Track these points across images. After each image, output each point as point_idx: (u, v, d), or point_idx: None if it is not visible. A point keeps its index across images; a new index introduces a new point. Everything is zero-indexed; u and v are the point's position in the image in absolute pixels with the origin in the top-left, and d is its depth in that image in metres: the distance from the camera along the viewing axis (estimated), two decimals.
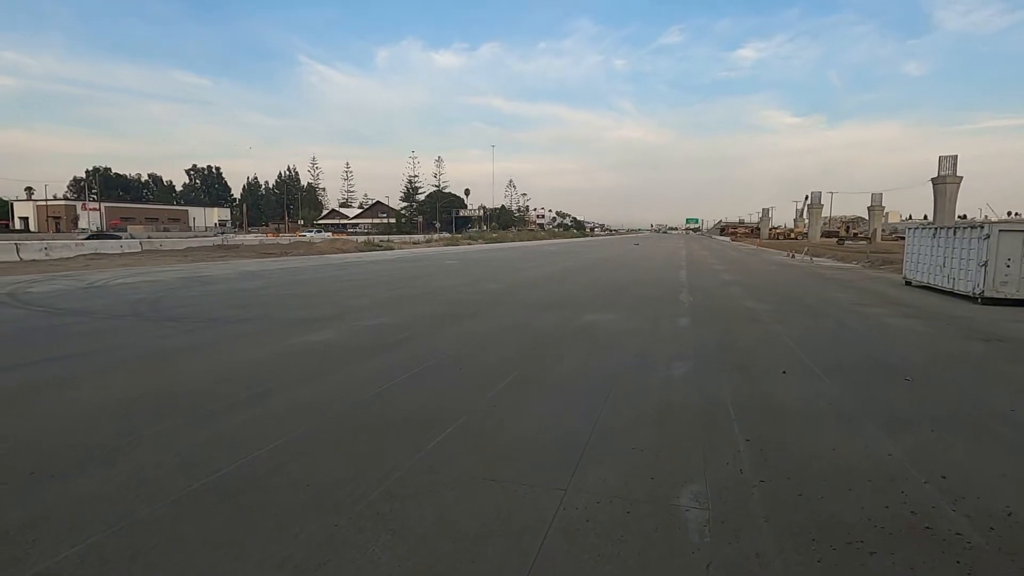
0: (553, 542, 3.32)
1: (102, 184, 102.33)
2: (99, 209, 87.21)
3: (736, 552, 3.24)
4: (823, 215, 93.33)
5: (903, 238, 33.69)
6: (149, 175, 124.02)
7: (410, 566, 3.06)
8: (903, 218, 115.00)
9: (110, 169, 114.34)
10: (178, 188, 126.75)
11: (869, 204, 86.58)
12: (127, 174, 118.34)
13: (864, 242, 66.20)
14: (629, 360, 7.93)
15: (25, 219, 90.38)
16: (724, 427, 5.28)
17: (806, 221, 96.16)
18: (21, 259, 26.41)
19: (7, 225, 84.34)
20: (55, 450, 4.54)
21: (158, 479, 4.04)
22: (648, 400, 6.09)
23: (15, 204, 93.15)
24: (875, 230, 78.13)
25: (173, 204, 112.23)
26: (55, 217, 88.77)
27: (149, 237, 48.48)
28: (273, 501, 3.75)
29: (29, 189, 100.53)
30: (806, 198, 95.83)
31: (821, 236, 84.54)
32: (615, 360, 7.92)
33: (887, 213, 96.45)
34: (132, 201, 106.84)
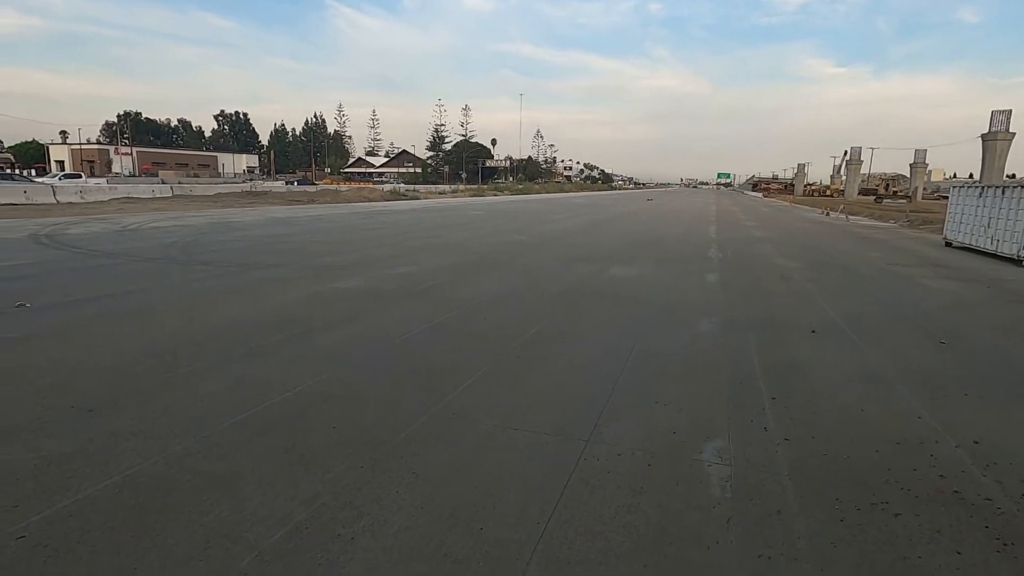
0: (574, 491, 3.35)
1: (133, 129, 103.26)
2: (131, 154, 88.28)
3: (758, 509, 3.23)
4: (862, 172, 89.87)
5: (945, 197, 32.32)
6: (179, 120, 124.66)
7: (432, 508, 3.13)
8: (946, 177, 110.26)
9: (140, 114, 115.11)
10: (207, 134, 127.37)
11: (911, 161, 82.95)
12: (157, 119, 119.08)
13: (904, 201, 63.81)
14: (655, 315, 7.85)
15: (61, 163, 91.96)
16: (750, 384, 5.22)
17: (843, 178, 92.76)
18: (58, 201, 27.04)
19: (44, 168, 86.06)
20: (93, 386, 4.70)
21: (190, 417, 4.17)
22: (673, 355, 6.04)
23: (51, 148, 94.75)
24: (916, 188, 75.10)
25: (202, 150, 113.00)
26: (89, 161, 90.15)
27: (180, 183, 49.05)
28: (301, 442, 3.84)
29: (63, 133, 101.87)
30: (844, 153, 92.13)
31: (859, 194, 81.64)
32: (641, 314, 7.85)
33: (930, 171, 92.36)
34: (162, 146, 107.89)
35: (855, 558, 2.83)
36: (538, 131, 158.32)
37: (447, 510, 3.12)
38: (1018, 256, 14.49)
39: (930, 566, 2.79)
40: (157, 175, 72.87)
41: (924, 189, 78.15)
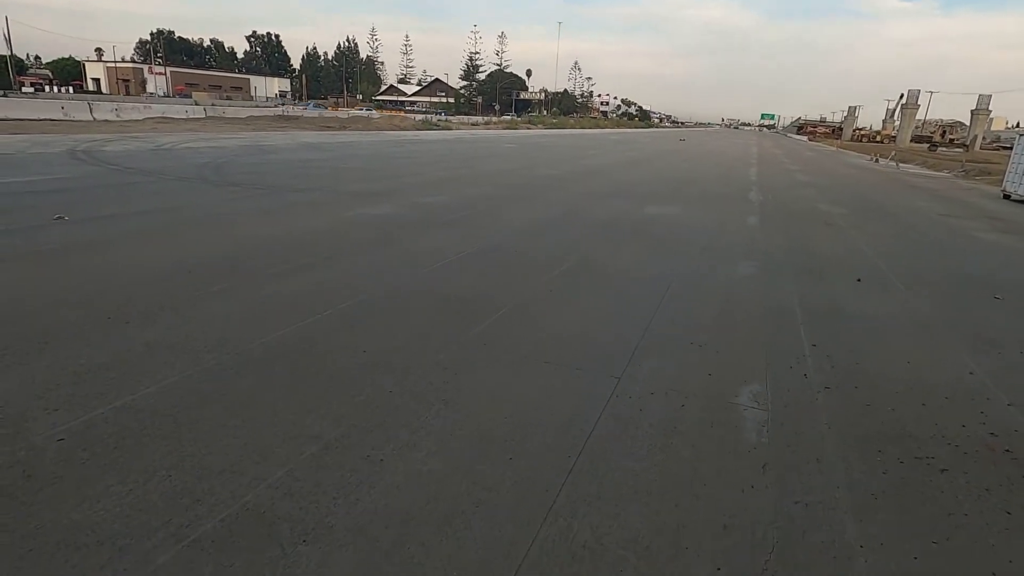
0: (605, 427, 3.28)
1: (166, 48, 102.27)
2: (165, 74, 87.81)
3: (795, 455, 3.13)
4: (917, 118, 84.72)
5: (1006, 148, 30.23)
6: (211, 40, 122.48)
7: (462, 434, 3.10)
8: (1009, 126, 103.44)
9: (173, 32, 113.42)
10: (239, 55, 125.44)
11: (973, 107, 77.71)
12: (190, 38, 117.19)
13: (960, 150, 60.29)
14: (692, 255, 7.60)
15: (97, 80, 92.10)
16: (790, 330, 5.03)
17: (896, 123, 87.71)
18: (95, 118, 27.18)
19: (80, 85, 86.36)
20: (129, 299, 4.75)
21: (223, 333, 4.18)
22: (710, 297, 5.85)
23: (87, 65, 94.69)
24: (975, 137, 70.79)
25: (235, 72, 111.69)
26: (124, 80, 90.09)
27: (213, 104, 48.83)
28: (331, 364, 3.83)
29: (99, 50, 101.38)
30: (900, 97, 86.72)
31: (912, 141, 77.34)
32: (677, 254, 7.61)
33: (992, 119, 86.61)
34: (195, 67, 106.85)
35: (896, 511, 2.73)
36: (575, 63, 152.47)
37: (477, 438, 3.08)
38: None
39: (976, 524, 2.67)
40: (190, 96, 72.62)
41: (983, 138, 73.63)
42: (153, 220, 7.72)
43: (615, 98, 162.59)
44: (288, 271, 5.75)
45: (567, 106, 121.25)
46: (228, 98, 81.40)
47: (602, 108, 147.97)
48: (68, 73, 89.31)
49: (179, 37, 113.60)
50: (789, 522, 2.59)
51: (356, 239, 7.33)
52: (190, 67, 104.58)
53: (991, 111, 75.85)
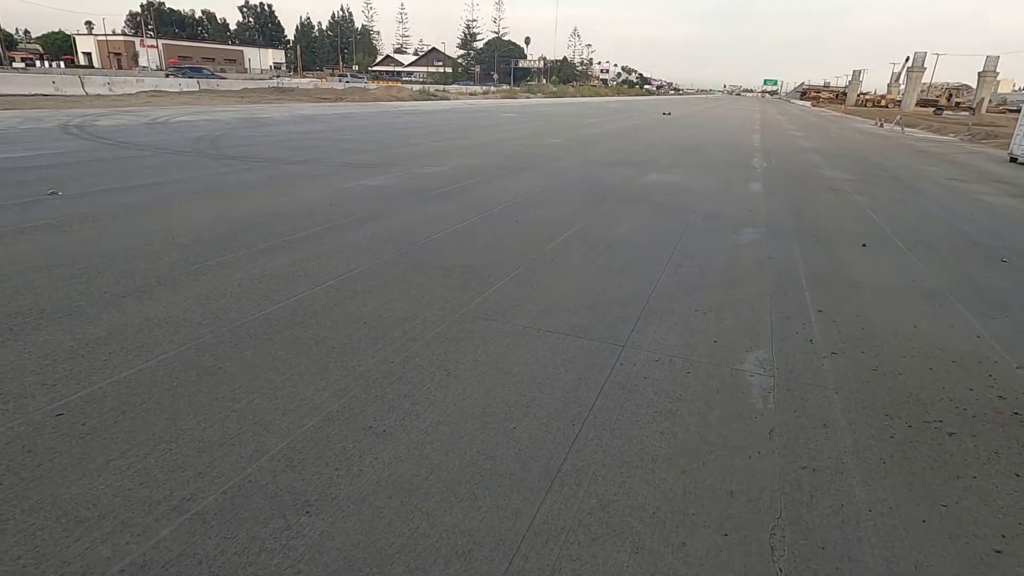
0: (609, 394, 3.25)
1: (157, 20, 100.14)
2: (157, 47, 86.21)
3: (802, 421, 3.10)
4: (923, 82, 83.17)
5: (1014, 111, 29.69)
6: (203, 12, 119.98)
7: (465, 405, 3.06)
8: (1016, 88, 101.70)
9: (164, 3, 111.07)
10: (232, 27, 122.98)
11: (980, 69, 76.21)
12: (181, 10, 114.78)
13: (966, 113, 59.39)
14: (695, 222, 7.50)
15: (88, 55, 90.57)
16: (795, 296, 4.97)
17: (901, 87, 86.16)
18: (87, 93, 26.75)
19: (72, 60, 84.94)
20: (125, 274, 4.68)
21: (221, 307, 4.13)
22: (714, 263, 5.78)
23: (78, 39, 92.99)
24: (982, 100, 69.66)
25: (228, 44, 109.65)
26: (116, 53, 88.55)
27: (207, 78, 48.02)
28: (331, 335, 3.78)
29: (89, 24, 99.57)
30: (906, 60, 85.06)
31: (917, 105, 76.14)
32: (680, 221, 7.51)
33: (999, 81, 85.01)
34: (188, 39, 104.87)
35: (904, 475, 2.70)
36: (574, 30, 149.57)
37: (479, 408, 3.05)
38: None
39: (986, 487, 2.65)
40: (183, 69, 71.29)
41: (989, 101, 72.44)
42: (148, 194, 7.61)
43: (615, 65, 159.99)
44: (286, 243, 5.68)
45: (566, 74, 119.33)
46: (222, 71, 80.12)
47: (602, 76, 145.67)
48: (59, 47, 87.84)
49: (170, 9, 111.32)
50: (796, 488, 2.57)
51: (354, 211, 7.22)
52: (182, 39, 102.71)
53: (998, 73, 74.50)
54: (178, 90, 32.21)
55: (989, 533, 2.37)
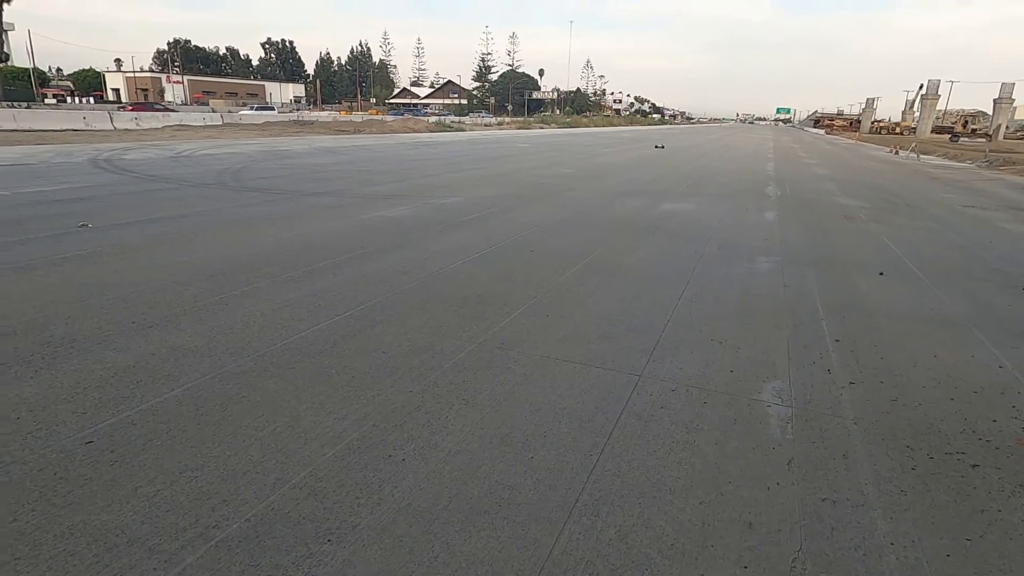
0: (627, 424, 3.26)
1: (183, 57, 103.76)
2: (182, 82, 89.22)
3: (821, 452, 3.08)
4: (938, 108, 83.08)
5: None
6: (227, 48, 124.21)
7: (484, 434, 3.09)
8: None
9: (190, 41, 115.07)
10: (254, 63, 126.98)
11: (996, 96, 76.01)
12: (206, 47, 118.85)
13: (983, 139, 59.03)
14: (710, 251, 7.53)
15: (116, 90, 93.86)
16: (812, 325, 4.96)
17: (915, 114, 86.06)
18: (115, 128, 27.68)
19: (101, 96, 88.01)
20: (153, 304, 4.82)
21: (244, 336, 4.23)
22: (729, 292, 5.79)
23: (107, 76, 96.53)
24: (999, 126, 69.24)
25: (250, 79, 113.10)
26: (143, 89, 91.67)
27: (229, 111, 49.49)
28: (351, 364, 3.85)
29: (118, 61, 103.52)
30: (920, 87, 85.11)
31: (932, 132, 75.90)
32: (694, 250, 7.54)
33: (1015, 107, 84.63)
34: (212, 75, 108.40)
35: (926, 508, 2.67)
36: (587, 62, 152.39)
37: (498, 437, 3.08)
38: None
39: (1011, 521, 2.61)
40: (207, 104, 73.63)
41: (1007, 127, 71.96)
42: (174, 226, 7.84)
43: (628, 96, 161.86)
44: (308, 274, 5.80)
45: (580, 105, 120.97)
46: (244, 104, 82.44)
47: (615, 106, 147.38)
48: (89, 84, 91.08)
49: (195, 46, 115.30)
50: (817, 520, 2.55)
51: (374, 241, 7.37)
52: (207, 75, 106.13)
53: (1014, 100, 74.12)
54: (202, 124, 33.21)
55: (1016, 568, 2.33)
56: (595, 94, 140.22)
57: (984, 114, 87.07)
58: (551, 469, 2.82)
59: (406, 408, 3.33)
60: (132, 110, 45.38)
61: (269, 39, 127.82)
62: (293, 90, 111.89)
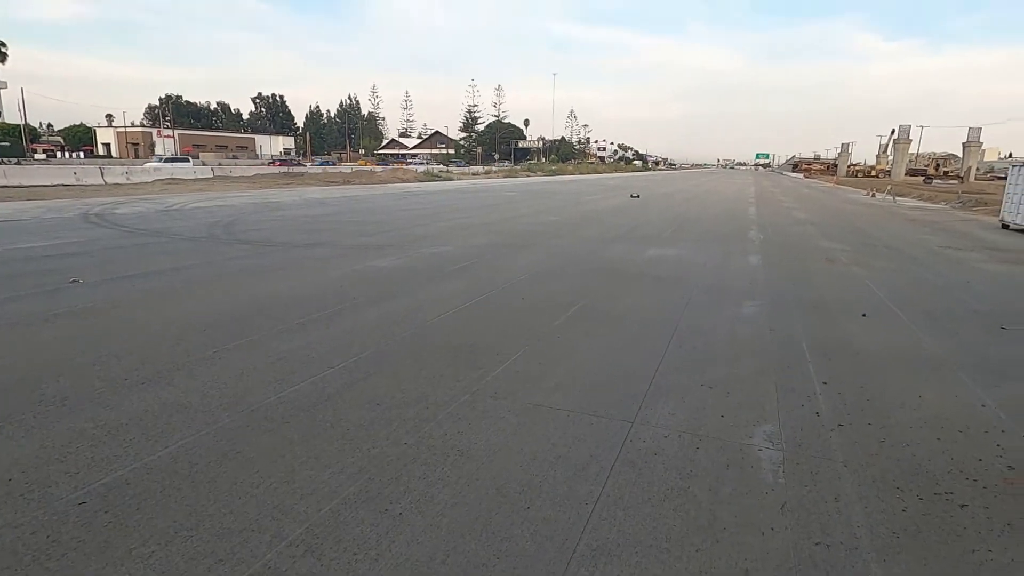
0: (621, 472, 3.29)
1: (174, 112, 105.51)
2: (173, 136, 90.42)
3: (813, 495, 3.12)
4: (910, 152, 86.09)
5: (1001, 178, 30.61)
6: (218, 103, 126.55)
7: (479, 485, 3.11)
8: (1001, 156, 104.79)
9: (181, 97, 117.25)
10: (244, 116, 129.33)
11: (964, 140, 78.97)
12: (197, 102, 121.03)
13: (955, 181, 60.98)
14: (696, 296, 7.68)
15: (107, 145, 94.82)
16: (799, 368, 5.05)
17: (889, 158, 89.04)
18: (105, 182, 27.89)
19: (91, 151, 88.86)
20: (145, 360, 4.82)
21: (238, 391, 4.23)
22: (717, 337, 5.89)
23: (98, 131, 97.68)
24: (969, 168, 71.66)
25: (240, 132, 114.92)
26: (134, 143, 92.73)
27: (220, 164, 50.12)
28: (346, 417, 3.86)
29: (109, 116, 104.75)
30: (892, 132, 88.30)
31: (906, 174, 78.31)
32: (681, 295, 7.68)
33: (983, 150, 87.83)
34: (202, 128, 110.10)
35: (919, 550, 2.71)
36: (571, 111, 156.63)
37: (493, 488, 3.09)
38: None
39: (1001, 561, 2.65)
40: (198, 157, 74.55)
41: (977, 169, 74.48)
42: (166, 280, 7.87)
43: (611, 143, 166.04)
44: (300, 326, 5.84)
45: (565, 153, 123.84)
46: (234, 157, 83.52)
47: (599, 154, 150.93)
48: (80, 139, 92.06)
49: (186, 101, 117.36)
50: (811, 565, 2.58)
51: (365, 292, 7.44)
52: (197, 129, 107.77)
53: (982, 143, 77.06)
54: (192, 177, 33.55)
55: None
56: (579, 142, 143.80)
57: (955, 157, 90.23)
58: (547, 520, 2.84)
59: (401, 460, 3.34)
60: (279, 166, 46.68)
61: (260, 93, 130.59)
62: (283, 142, 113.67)
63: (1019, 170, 18.30)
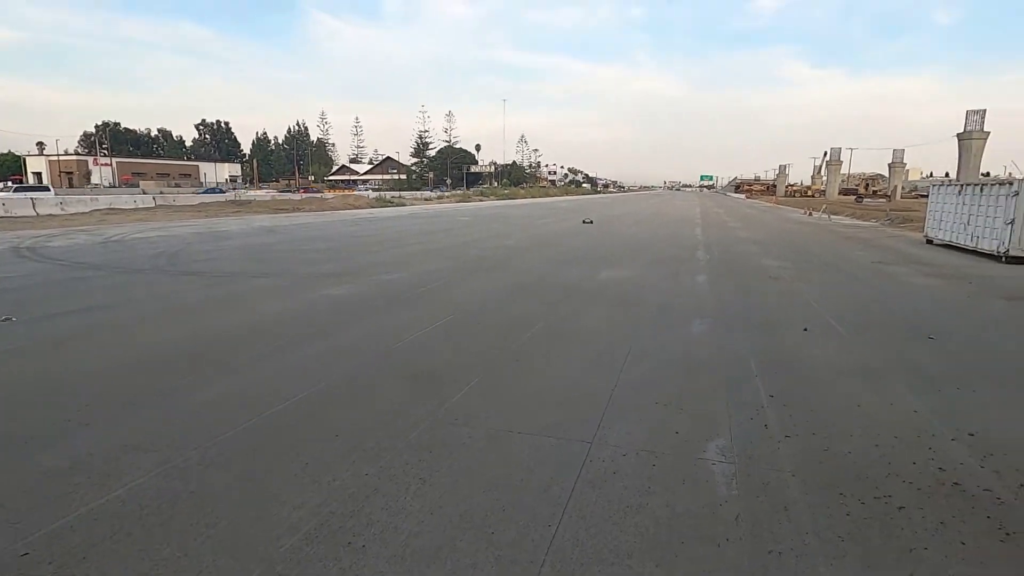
0: (582, 493, 3.36)
1: (112, 139, 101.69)
2: (110, 164, 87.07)
3: (764, 505, 3.26)
4: (842, 172, 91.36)
5: (924, 196, 32.81)
6: (159, 130, 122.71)
7: (443, 513, 3.11)
8: (923, 175, 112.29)
9: (120, 124, 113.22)
10: (188, 143, 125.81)
11: (890, 161, 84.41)
12: (137, 129, 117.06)
13: (883, 200, 64.82)
14: (649, 316, 7.90)
15: (38, 174, 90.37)
16: (747, 383, 5.26)
17: (824, 178, 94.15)
18: (37, 214, 26.58)
19: (20, 180, 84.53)
20: (88, 400, 4.62)
21: (189, 428, 4.11)
22: (669, 355, 6.08)
23: (28, 159, 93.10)
24: (895, 188, 76.37)
25: (183, 159, 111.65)
26: (67, 172, 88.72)
27: (162, 192, 48.54)
28: (304, 450, 3.81)
29: (40, 144, 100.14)
30: (824, 154, 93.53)
31: (839, 194, 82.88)
32: (635, 316, 7.89)
33: (908, 170, 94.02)
34: (142, 156, 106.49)
35: (862, 552, 2.87)
36: (522, 136, 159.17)
37: (456, 515, 3.11)
38: (998, 252, 14.77)
39: (935, 558, 2.83)
40: (138, 185, 71.92)
41: (902, 188, 79.49)
42: (108, 316, 7.57)
43: (562, 167, 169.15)
44: (253, 359, 5.72)
45: (517, 177, 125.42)
46: (177, 185, 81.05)
47: (550, 177, 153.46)
48: (8, 168, 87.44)
49: (125, 128, 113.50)
50: (764, 572, 2.69)
51: (320, 322, 7.34)
52: (137, 157, 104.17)
53: (906, 163, 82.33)
54: (133, 206, 32.38)
55: None
56: (530, 166, 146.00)
57: (882, 176, 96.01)
58: (511, 544, 2.87)
59: (363, 492, 3.32)
60: (303, 193, 43.91)
61: (204, 120, 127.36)
62: (229, 169, 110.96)
63: (938, 190, 19.65)
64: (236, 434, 4.02)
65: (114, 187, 73.69)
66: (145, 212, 30.25)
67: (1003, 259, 14.51)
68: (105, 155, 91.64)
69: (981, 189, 16.36)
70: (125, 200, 34.31)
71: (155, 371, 5.32)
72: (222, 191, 56.16)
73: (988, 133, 50.44)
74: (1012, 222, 14.35)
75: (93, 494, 3.24)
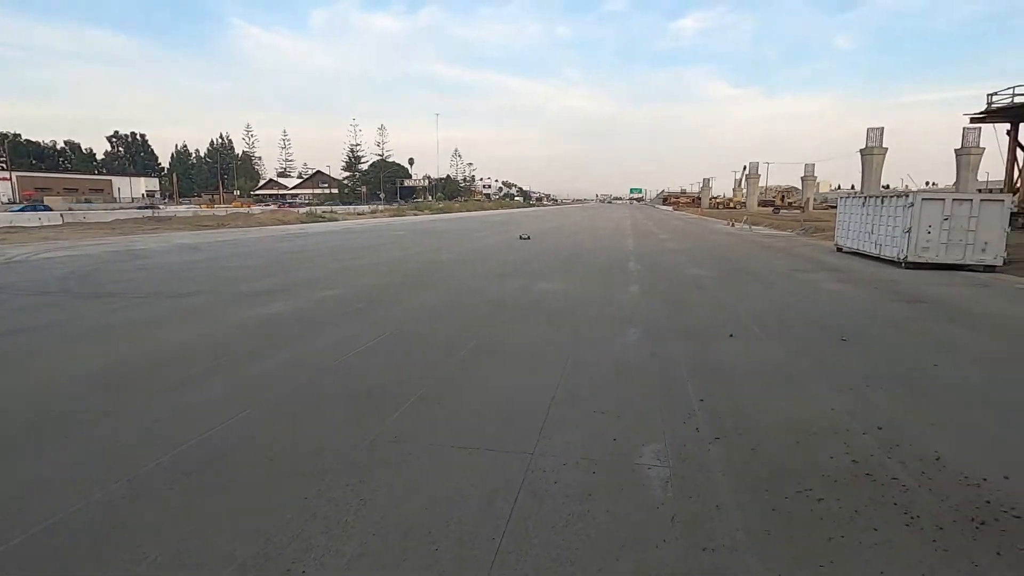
0: (524, 503, 3.40)
1: (11, 152, 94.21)
2: (10, 179, 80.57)
3: (697, 505, 3.42)
4: (760, 185, 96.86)
5: (834, 207, 35.23)
6: (66, 142, 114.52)
7: (385, 533, 3.08)
8: (832, 188, 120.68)
9: (20, 135, 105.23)
10: (99, 156, 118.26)
11: (802, 175, 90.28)
12: (40, 141, 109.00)
13: (798, 211, 69.13)
14: (584, 327, 8.09)
15: None
16: (679, 389, 5.49)
17: (744, 191, 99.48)
18: None
19: None
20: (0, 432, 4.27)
21: (111, 460, 3.88)
22: (605, 365, 6.25)
23: None
24: (807, 199, 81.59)
25: (94, 173, 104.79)
26: None
27: (70, 209, 45.38)
28: (238, 477, 3.67)
29: None
30: (744, 168, 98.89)
31: (758, 205, 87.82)
32: (570, 327, 8.06)
33: (818, 183, 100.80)
34: (47, 170, 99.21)
35: (788, 543, 3.06)
36: (456, 150, 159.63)
37: (400, 533, 3.08)
38: (899, 259, 16.06)
39: (852, 544, 3.05)
40: (42, 201, 66.83)
41: (814, 200, 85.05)
42: (8, 343, 7.01)
43: (496, 180, 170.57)
44: (178, 383, 5.45)
45: (451, 191, 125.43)
46: (88, 201, 75.95)
47: (485, 191, 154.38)
48: None
49: (27, 140, 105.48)
50: (699, 570, 2.82)
51: (250, 342, 7.08)
52: (41, 170, 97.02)
53: (816, 176, 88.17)
54: (38, 224, 30.12)
55: None
56: (465, 180, 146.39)
57: (796, 189, 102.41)
58: (457, 559, 2.88)
59: (302, 516, 3.23)
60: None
61: (117, 132, 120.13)
62: (145, 184, 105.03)
63: (845, 201, 21.18)
64: (162, 464, 3.82)
65: (14, 203, 68.16)
66: (52, 230, 28.20)
67: (903, 265, 15.79)
68: (3, 169, 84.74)
69: (882, 201, 17.77)
70: (28, 217, 31.87)
71: (74, 401, 4.97)
72: (154, 207, 52.59)
73: (887, 149, 54.82)
74: (909, 231, 15.65)
75: (4, 534, 3.00)
